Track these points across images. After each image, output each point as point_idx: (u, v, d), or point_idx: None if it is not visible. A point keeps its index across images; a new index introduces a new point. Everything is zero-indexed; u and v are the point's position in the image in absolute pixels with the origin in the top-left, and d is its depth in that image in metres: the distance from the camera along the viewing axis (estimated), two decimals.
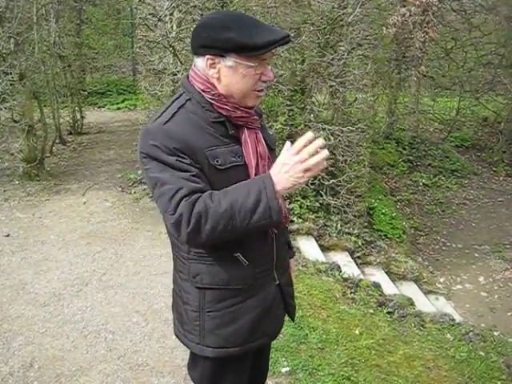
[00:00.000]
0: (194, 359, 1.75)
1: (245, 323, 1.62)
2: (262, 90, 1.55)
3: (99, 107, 9.59)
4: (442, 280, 5.86)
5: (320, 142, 1.37)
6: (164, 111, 1.53)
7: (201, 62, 1.51)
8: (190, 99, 1.53)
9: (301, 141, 1.38)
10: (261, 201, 1.39)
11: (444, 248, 6.66)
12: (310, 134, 1.38)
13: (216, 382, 1.72)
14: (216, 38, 1.44)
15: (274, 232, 1.62)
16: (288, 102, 5.20)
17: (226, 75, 1.48)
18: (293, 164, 1.38)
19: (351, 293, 4.07)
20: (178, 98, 1.56)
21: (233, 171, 1.50)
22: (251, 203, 1.39)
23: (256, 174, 1.53)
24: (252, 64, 1.46)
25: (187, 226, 1.39)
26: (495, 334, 4.19)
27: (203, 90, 1.52)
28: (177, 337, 1.75)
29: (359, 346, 3.25)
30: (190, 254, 1.57)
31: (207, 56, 1.48)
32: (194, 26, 1.59)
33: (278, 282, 1.69)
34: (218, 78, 1.49)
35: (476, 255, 6.45)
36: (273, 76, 1.55)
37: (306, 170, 1.37)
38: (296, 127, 5.24)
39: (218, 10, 4.85)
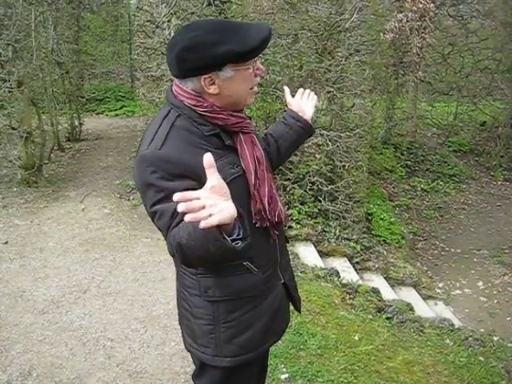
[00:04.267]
0: (202, 368, 1.72)
1: (259, 327, 1.62)
2: (254, 86, 1.55)
3: (97, 114, 9.59)
4: (440, 285, 5.86)
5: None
6: (155, 133, 1.44)
7: (193, 83, 1.45)
8: (179, 115, 1.47)
9: None
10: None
11: (443, 253, 6.66)
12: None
13: None
14: (210, 57, 1.39)
15: (276, 234, 1.63)
16: (286, 108, 5.20)
17: (227, 87, 1.45)
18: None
19: (350, 298, 4.06)
20: (166, 115, 1.48)
21: (233, 184, 1.40)
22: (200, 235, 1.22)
23: (256, 181, 1.52)
24: (249, 66, 1.47)
25: (178, 257, 1.35)
26: (495, 338, 4.19)
27: (195, 105, 1.46)
28: (189, 352, 1.71)
29: (358, 352, 3.24)
30: (198, 269, 1.54)
31: (203, 76, 1.42)
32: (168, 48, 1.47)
33: (283, 281, 1.71)
34: (219, 93, 1.45)
35: (475, 260, 6.45)
36: (263, 67, 1.55)
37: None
38: None
39: (215, 17, 4.86)
